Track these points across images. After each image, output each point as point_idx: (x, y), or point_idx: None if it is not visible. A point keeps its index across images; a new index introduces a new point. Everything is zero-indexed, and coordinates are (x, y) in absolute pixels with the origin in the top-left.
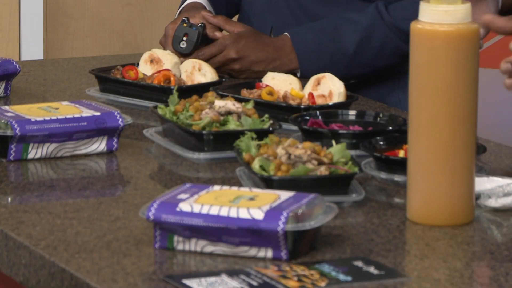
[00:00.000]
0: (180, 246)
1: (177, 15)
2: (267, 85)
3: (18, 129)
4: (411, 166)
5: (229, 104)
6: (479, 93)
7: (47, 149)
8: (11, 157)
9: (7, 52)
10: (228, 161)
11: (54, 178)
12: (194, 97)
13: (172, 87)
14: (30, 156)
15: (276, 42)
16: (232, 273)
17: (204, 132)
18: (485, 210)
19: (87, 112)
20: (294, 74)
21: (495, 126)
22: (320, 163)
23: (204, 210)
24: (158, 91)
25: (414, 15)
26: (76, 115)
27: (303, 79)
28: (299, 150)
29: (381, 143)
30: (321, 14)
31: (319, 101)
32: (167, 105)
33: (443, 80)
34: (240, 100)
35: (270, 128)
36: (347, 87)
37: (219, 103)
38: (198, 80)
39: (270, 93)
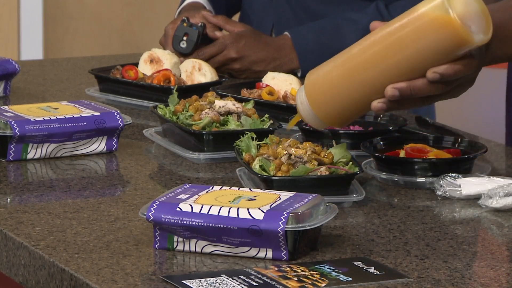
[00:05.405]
0: (180, 247)
1: (176, 14)
2: (267, 85)
3: (17, 129)
4: None
5: (229, 104)
6: (478, 93)
7: (47, 149)
8: (10, 157)
9: (6, 52)
10: (228, 161)
11: (54, 178)
12: (194, 97)
13: (172, 87)
14: (30, 156)
15: (276, 41)
16: (232, 274)
17: (204, 132)
18: (486, 210)
19: (86, 112)
20: (295, 74)
21: (496, 126)
22: (321, 163)
23: (204, 211)
24: (158, 91)
25: None
26: (76, 115)
27: (304, 79)
28: (299, 150)
29: (381, 143)
30: (321, 14)
31: None
32: (167, 105)
33: None
34: (240, 100)
35: (270, 128)
36: None
37: (219, 103)
38: (198, 80)
39: (270, 93)
